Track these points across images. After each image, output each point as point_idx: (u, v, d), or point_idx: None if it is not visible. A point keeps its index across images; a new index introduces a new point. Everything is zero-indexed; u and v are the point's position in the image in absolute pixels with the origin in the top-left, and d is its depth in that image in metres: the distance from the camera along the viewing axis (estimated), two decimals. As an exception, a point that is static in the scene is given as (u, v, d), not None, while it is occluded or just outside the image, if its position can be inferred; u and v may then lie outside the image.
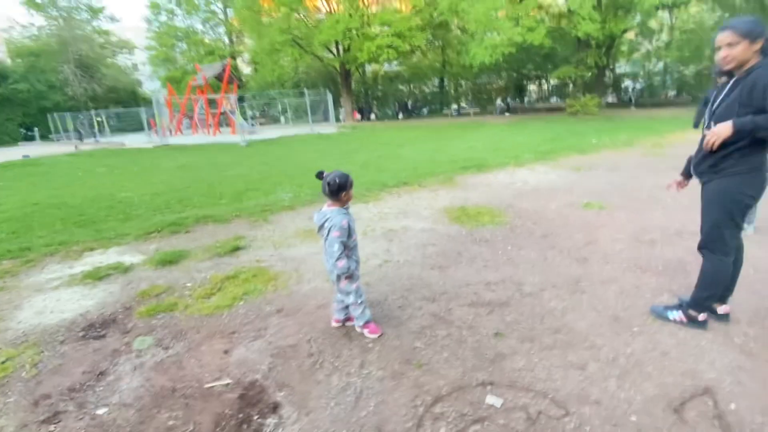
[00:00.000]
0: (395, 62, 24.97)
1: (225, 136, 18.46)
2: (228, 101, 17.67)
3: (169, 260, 3.62)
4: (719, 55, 1.93)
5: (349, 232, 2.22)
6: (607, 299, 2.63)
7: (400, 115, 25.74)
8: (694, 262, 3.07)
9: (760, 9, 15.88)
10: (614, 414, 1.70)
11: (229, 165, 9.47)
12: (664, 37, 20.35)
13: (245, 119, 18.24)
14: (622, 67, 26.28)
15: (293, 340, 2.37)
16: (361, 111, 27.14)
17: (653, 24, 18.44)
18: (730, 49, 1.86)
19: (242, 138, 14.32)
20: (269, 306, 2.79)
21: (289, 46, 21.19)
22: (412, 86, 29.16)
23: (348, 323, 2.45)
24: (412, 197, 5.54)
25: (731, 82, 1.95)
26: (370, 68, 27.67)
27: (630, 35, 20.71)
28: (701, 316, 2.23)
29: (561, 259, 3.30)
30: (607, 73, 21.09)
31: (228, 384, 2.02)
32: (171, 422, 1.79)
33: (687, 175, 2.34)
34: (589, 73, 16.78)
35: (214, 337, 2.46)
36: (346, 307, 2.37)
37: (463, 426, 1.68)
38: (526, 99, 28.22)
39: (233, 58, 28.89)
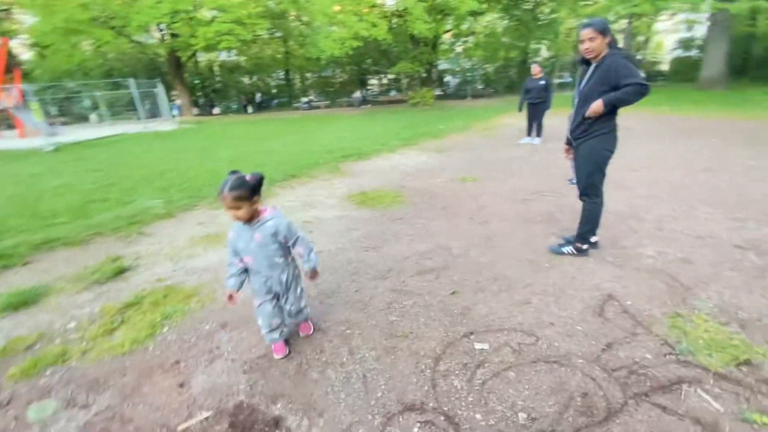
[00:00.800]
0: (234, 52, 23.03)
1: (11, 140, 13.89)
2: (9, 95, 13.22)
3: (21, 302, 2.65)
4: (583, 47, 2.54)
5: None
6: (516, 248, 3.20)
7: (249, 109, 24.04)
8: (557, 211, 3.99)
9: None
10: (566, 329, 2.15)
11: (41, 176, 7.23)
12: (472, 39, 24.68)
13: (40, 118, 13.97)
14: (442, 64, 30.68)
15: (260, 350, 2.11)
16: (197, 104, 24.13)
17: (464, 27, 22.10)
18: (592, 43, 2.48)
19: (46, 142, 11.05)
20: (207, 324, 2.39)
21: (93, 26, 17.08)
22: (255, 78, 27.49)
23: (302, 334, 2.21)
24: (308, 189, 5.40)
25: (591, 68, 2.60)
26: (204, 57, 24.78)
27: (447, 36, 24.31)
28: (584, 246, 2.96)
29: (467, 223, 3.81)
30: (433, 69, 24.25)
31: (207, 418, 1.69)
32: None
33: (570, 143, 2.99)
34: (423, 69, 19.07)
35: (153, 374, 1.98)
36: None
37: (471, 373, 1.86)
38: (369, 92, 30.14)
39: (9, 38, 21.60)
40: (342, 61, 23.64)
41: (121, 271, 3.11)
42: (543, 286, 2.60)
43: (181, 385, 1.89)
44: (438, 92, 28.39)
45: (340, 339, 2.17)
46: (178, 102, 23.00)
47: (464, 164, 6.44)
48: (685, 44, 28.75)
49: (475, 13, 17.02)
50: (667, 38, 33.26)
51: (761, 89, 16.30)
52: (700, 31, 23.77)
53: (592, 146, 2.69)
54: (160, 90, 17.67)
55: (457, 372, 1.87)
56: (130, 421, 1.70)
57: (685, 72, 25.34)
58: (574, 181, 4.78)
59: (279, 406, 1.74)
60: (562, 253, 3.00)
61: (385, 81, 30.29)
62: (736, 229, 3.34)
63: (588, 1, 28.16)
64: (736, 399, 1.64)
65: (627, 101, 2.39)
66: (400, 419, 1.63)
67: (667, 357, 1.91)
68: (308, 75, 27.92)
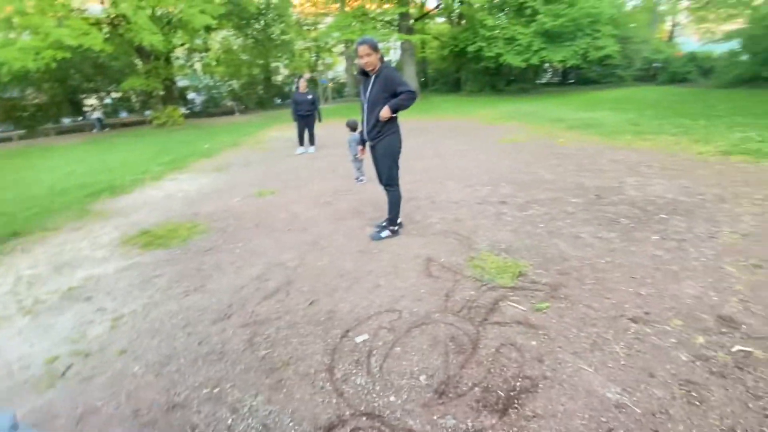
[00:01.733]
0: None
1: None
2: None
3: None
4: (362, 61, 2.97)
5: None
6: (344, 244, 3.42)
7: None
8: (360, 206, 4.48)
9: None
10: (415, 295, 2.52)
11: None
12: (210, 54, 23.43)
13: None
14: (182, 80, 27.79)
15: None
16: None
17: (198, 42, 20.68)
18: (369, 57, 2.93)
19: None
20: None
21: None
22: None
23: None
24: (52, 246, 3.90)
25: (372, 79, 3.06)
26: None
27: (180, 51, 22.15)
28: (396, 228, 3.49)
29: (289, 235, 3.75)
30: (173, 86, 21.71)
31: None
32: None
33: (363, 143, 3.39)
34: (163, 86, 16.72)
35: None
36: None
37: (366, 366, 1.92)
38: (87, 115, 23.75)
39: None
40: (34, 78, 17.75)
41: None
42: (381, 268, 2.92)
43: None
44: (184, 110, 25.65)
45: (212, 403, 1.77)
46: None
47: (253, 179, 6.19)
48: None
49: (208, 28, 16.22)
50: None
51: (440, 98, 22.98)
52: (396, 55, 31.11)
53: (387, 144, 3.19)
54: None
55: (354, 371, 1.89)
56: None
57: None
58: (361, 179, 5.50)
59: None
60: (382, 238, 3.43)
61: (108, 101, 24.64)
62: (472, 192, 4.70)
63: (310, 27, 31.89)
64: (527, 299, 2.40)
65: (405, 106, 2.97)
66: (327, 442, 1.53)
67: (482, 288, 2.55)
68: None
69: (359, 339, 2.12)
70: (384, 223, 3.53)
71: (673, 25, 25.85)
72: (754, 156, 5.15)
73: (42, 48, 10.94)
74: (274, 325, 2.32)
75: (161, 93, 17.45)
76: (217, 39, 23.28)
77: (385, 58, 3.27)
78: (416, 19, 22.86)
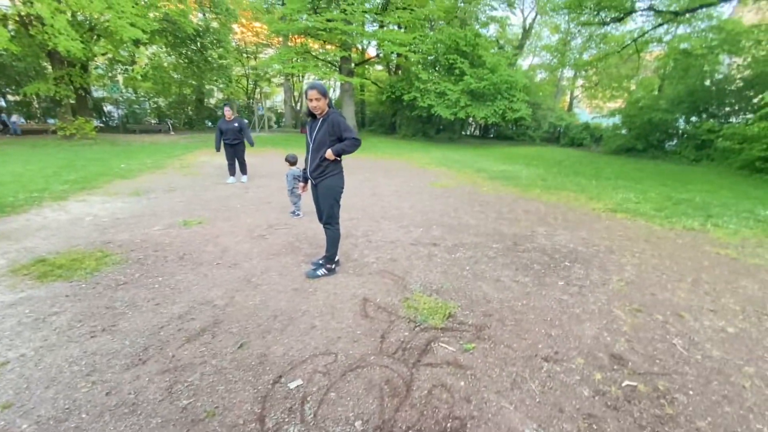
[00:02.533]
0: None
1: None
2: None
3: None
4: (311, 105, 3.09)
5: None
6: (278, 282, 3.33)
7: None
8: (296, 241, 4.43)
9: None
10: (351, 336, 2.54)
11: None
12: (138, 68, 21.85)
13: None
14: (98, 91, 25.33)
15: None
16: None
17: (125, 54, 19.25)
18: (318, 102, 3.07)
19: None
20: None
21: None
22: None
23: None
24: None
25: (319, 121, 3.17)
26: None
27: (101, 60, 20.37)
28: (333, 266, 3.51)
29: (217, 270, 3.55)
30: (88, 96, 19.70)
31: None
32: None
33: (306, 180, 3.43)
34: (75, 94, 15.03)
35: None
36: None
37: (300, 413, 1.87)
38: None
39: None
40: None
41: None
42: (317, 308, 2.89)
43: None
44: (98, 123, 23.25)
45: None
46: None
47: (179, 206, 5.77)
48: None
49: (137, 42, 15.28)
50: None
51: (377, 138, 23.96)
52: (336, 93, 32.05)
53: (329, 184, 3.27)
54: None
55: (287, 419, 1.83)
56: None
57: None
58: (298, 213, 5.46)
59: None
60: (318, 276, 3.42)
61: (1, 103, 21.32)
62: (406, 233, 4.93)
63: (250, 55, 31.69)
64: (456, 339, 2.56)
65: (348, 151, 3.14)
66: (256, 500, 1.44)
67: (416, 329, 2.66)
68: None
69: (293, 385, 2.07)
70: (321, 261, 3.53)
71: (572, 98, 30.65)
72: (632, 214, 6.20)
73: None
74: (198, 371, 2.15)
75: (72, 102, 15.67)
76: (146, 53, 21.88)
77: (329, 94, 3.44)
78: (357, 64, 24.05)
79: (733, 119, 14.73)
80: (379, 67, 29.94)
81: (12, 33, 12.98)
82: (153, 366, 2.18)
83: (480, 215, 5.95)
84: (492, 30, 26.93)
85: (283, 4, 19.38)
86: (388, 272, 3.62)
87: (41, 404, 1.85)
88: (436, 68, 21.38)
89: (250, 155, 8.72)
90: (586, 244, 4.71)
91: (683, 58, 14.83)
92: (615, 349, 2.53)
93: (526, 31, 26.65)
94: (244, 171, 8.22)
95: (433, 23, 23.67)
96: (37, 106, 22.61)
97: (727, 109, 14.87)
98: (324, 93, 3.08)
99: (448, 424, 1.83)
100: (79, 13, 13.40)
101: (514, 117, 19.71)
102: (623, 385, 2.17)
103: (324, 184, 3.28)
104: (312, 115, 3.20)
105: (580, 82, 28.97)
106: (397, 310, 2.91)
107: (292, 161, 5.36)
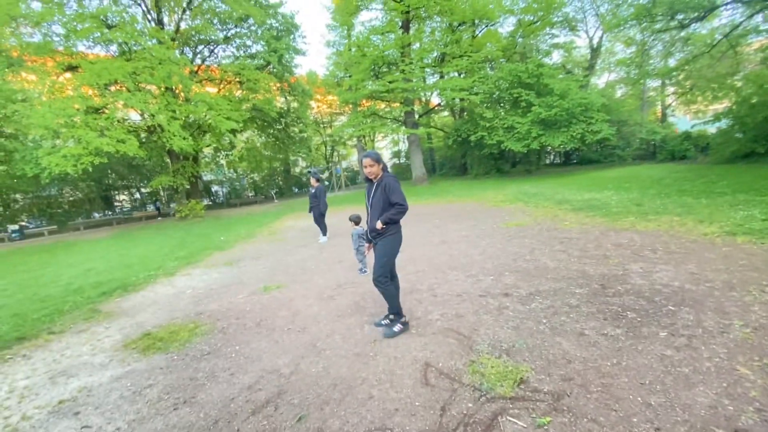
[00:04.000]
0: None
1: None
2: None
3: None
4: (366, 171, 3.34)
5: None
6: (341, 346, 3.35)
7: None
8: (361, 300, 4.47)
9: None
10: (408, 409, 2.38)
11: None
12: (234, 152, 25.75)
13: None
14: (207, 175, 30.13)
15: None
16: None
17: (225, 142, 22.89)
18: (372, 168, 3.29)
19: None
20: None
21: None
22: None
23: None
24: (55, 351, 3.93)
25: (375, 185, 3.36)
26: None
27: (207, 150, 24.46)
28: (404, 319, 3.49)
29: (287, 335, 3.72)
30: (198, 181, 23.52)
31: None
32: None
33: (369, 240, 3.56)
34: (188, 181, 18.12)
35: None
36: None
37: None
38: (118, 209, 25.55)
39: None
40: (72, 178, 19.54)
41: None
42: (375, 375, 2.81)
43: None
44: (207, 202, 27.28)
45: None
46: None
47: (262, 273, 6.32)
48: (397, 154, 39.50)
49: (233, 131, 18.08)
50: (385, 149, 44.82)
51: (448, 182, 23.96)
52: (404, 145, 33.40)
53: (386, 242, 3.38)
54: None
55: (335, 506, 1.74)
56: None
57: (400, 174, 34.47)
58: (364, 270, 5.57)
59: None
60: (396, 334, 3.43)
61: (137, 196, 26.63)
62: (475, 283, 4.67)
63: (326, 124, 35.11)
64: (527, 412, 2.24)
65: (395, 220, 3.28)
66: None
67: (481, 399, 2.41)
68: (17, 196, 21.27)
69: (345, 464, 1.98)
70: (391, 317, 3.58)
71: (664, 108, 27.47)
72: (758, 236, 5.06)
73: (83, 155, 12.28)
74: (258, 447, 2.20)
75: (186, 187, 18.76)
76: (242, 138, 25.69)
77: (398, 147, 3.69)
78: (421, 115, 25.02)
79: None
80: (446, 113, 30.71)
81: (144, 139, 16.43)
82: (220, 440, 2.29)
83: (560, 255, 5.42)
84: (557, 56, 26.17)
85: (350, 76, 21.41)
86: (453, 331, 3.41)
87: (124, 480, 2.05)
88: (501, 104, 21.18)
89: (330, 215, 9.39)
90: (696, 280, 3.93)
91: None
92: (740, 422, 1.97)
93: (595, 50, 25.29)
94: (322, 232, 8.83)
95: (493, 63, 23.89)
96: (162, 194, 27.45)
97: None
98: (377, 160, 3.32)
99: None
100: (188, 117, 16.40)
101: (596, 139, 18.23)
102: (759, 479, 1.65)
103: (381, 243, 3.40)
104: (370, 180, 3.41)
105: (672, 89, 26.04)
106: (461, 375, 2.69)
107: (356, 221, 5.59)
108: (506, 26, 24.39)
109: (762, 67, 17.01)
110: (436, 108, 27.79)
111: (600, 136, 17.77)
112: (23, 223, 20.73)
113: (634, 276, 4.26)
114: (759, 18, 12.35)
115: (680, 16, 12.22)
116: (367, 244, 3.67)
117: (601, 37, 24.62)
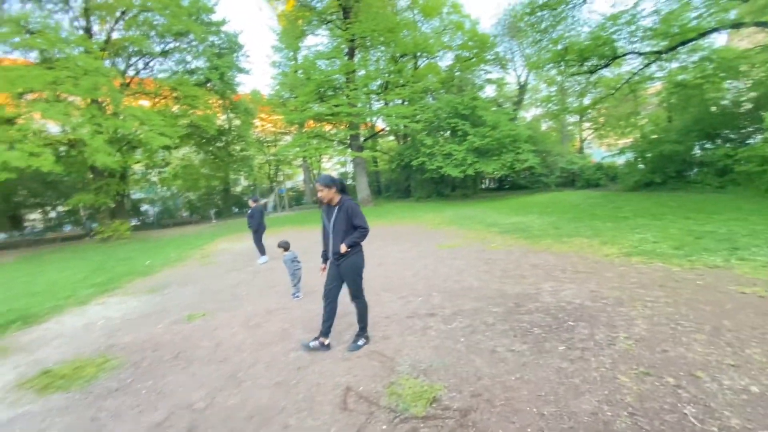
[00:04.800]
0: None
1: None
2: None
3: None
4: (319, 195, 3.47)
5: None
6: (262, 375, 3.27)
7: None
8: (290, 327, 4.41)
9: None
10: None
11: None
12: (168, 169, 24.24)
13: None
14: (136, 193, 27.90)
15: None
16: None
17: (159, 159, 21.49)
18: (323, 193, 3.42)
19: None
20: None
21: None
22: None
23: None
24: None
25: (336, 209, 3.47)
26: None
27: (138, 166, 22.77)
28: (368, 335, 3.58)
29: (206, 367, 3.55)
30: (125, 199, 21.72)
31: None
32: None
33: (325, 260, 3.66)
34: (113, 200, 16.66)
35: None
36: None
37: None
38: (27, 230, 22.59)
39: None
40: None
41: None
42: (295, 403, 2.80)
43: None
44: (135, 222, 25.17)
45: None
46: None
47: (188, 300, 5.97)
48: (344, 176, 39.83)
49: (167, 147, 17.11)
50: (331, 170, 44.98)
51: (392, 204, 24.52)
52: (350, 167, 33.77)
53: (351, 263, 3.50)
54: None
55: None
56: None
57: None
58: (297, 295, 5.51)
59: None
60: (360, 347, 3.56)
61: (53, 215, 23.85)
62: (405, 304, 4.83)
63: (270, 143, 34.48)
64: (437, 430, 2.37)
65: (358, 242, 3.44)
66: None
67: (395, 421, 2.50)
68: None
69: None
70: (358, 333, 3.71)
71: (582, 140, 30.81)
72: (648, 257, 5.85)
73: (-16, 169, 10.88)
74: (160, 489, 2.08)
75: (111, 206, 17.23)
76: (177, 155, 24.32)
77: (345, 169, 3.87)
78: (366, 138, 25.57)
79: (752, 140, 14.26)
80: (391, 138, 31.70)
81: (63, 153, 14.95)
82: (117, 486, 2.13)
83: (485, 275, 5.79)
84: (490, 91, 28.40)
85: (295, 97, 21.43)
86: (378, 353, 3.50)
87: None
88: (440, 132, 22.39)
89: (271, 235, 9.19)
90: (594, 297, 4.43)
91: (681, 90, 14.90)
92: (615, 426, 2.26)
93: (523, 87, 27.90)
94: (261, 252, 8.64)
95: (433, 93, 25.32)
96: (82, 213, 24.89)
97: (743, 131, 14.48)
98: (327, 184, 3.44)
99: None
100: (116, 132, 15.27)
101: (523, 167, 19.89)
102: (619, 473, 1.91)
103: (346, 264, 3.49)
104: (328, 203, 3.53)
105: (587, 124, 29.39)
106: (379, 398, 2.77)
107: (285, 247, 5.55)
108: (445, 60, 26.16)
109: (660, 109, 19.90)
110: (381, 132, 28.62)
111: (527, 164, 19.42)
112: None
113: (544, 294, 4.69)
114: (654, 67, 14.63)
115: (589, 63, 14.03)
116: (322, 266, 3.74)
117: (527, 76, 27.26)
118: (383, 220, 14.85)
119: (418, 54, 23.22)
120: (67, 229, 24.05)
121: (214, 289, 6.55)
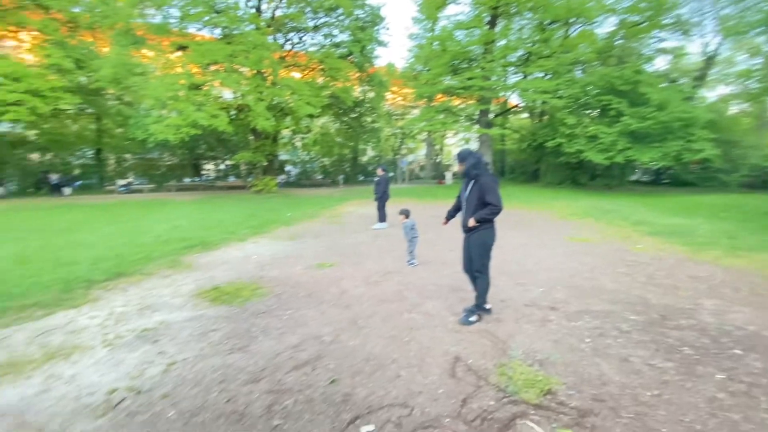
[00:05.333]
0: (22, 125, 18.76)
1: None
2: None
3: None
4: (457, 168, 3.58)
5: None
6: (379, 327, 3.56)
7: (67, 191, 18.94)
8: (405, 290, 4.64)
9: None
10: (431, 394, 2.52)
11: None
12: (310, 135, 27.27)
13: None
14: (282, 155, 32.27)
15: None
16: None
17: (302, 125, 24.31)
18: (459, 166, 3.51)
19: None
20: None
21: None
22: (49, 155, 22.59)
23: None
24: (144, 288, 4.68)
25: (472, 182, 3.55)
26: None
27: (286, 131, 26.17)
28: (482, 312, 3.71)
29: (333, 309, 4.03)
30: (275, 159, 25.30)
31: None
32: None
33: (447, 219, 3.94)
34: (266, 159, 19.67)
35: None
36: None
37: (363, 457, 1.97)
38: (204, 177, 28.67)
39: None
40: (171, 145, 22.18)
41: None
42: (407, 359, 2.98)
43: None
44: (280, 180, 29.21)
45: (221, 459, 1.96)
46: None
47: (319, 251, 6.78)
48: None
49: (311, 116, 19.12)
50: (454, 148, 44.18)
51: (516, 188, 23.01)
52: (475, 145, 32.62)
53: (480, 236, 3.58)
54: None
55: (350, 460, 1.95)
56: None
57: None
58: (412, 263, 5.72)
59: None
60: (471, 323, 3.61)
61: (222, 167, 29.51)
62: (522, 291, 4.59)
63: (398, 116, 35.42)
64: (548, 421, 2.26)
65: (488, 219, 3.44)
66: None
67: (503, 400, 2.46)
68: (127, 156, 24.81)
69: (365, 429, 2.19)
70: (472, 308, 3.73)
71: (791, 131, 23.44)
72: None
73: (182, 126, 13.97)
74: (294, 397, 2.49)
75: (264, 164, 20.31)
76: (318, 124, 27.05)
77: (468, 146, 3.89)
78: (497, 115, 24.18)
79: None
80: (525, 115, 29.35)
81: (233, 116, 18.11)
82: (264, 385, 2.63)
83: (623, 278, 5.08)
84: (661, 63, 23.56)
85: (428, 70, 21.38)
86: (490, 333, 3.44)
87: (185, 399, 2.46)
88: (587, 111, 19.73)
89: (391, 205, 9.76)
90: (779, 328, 3.49)
91: None
92: (791, 484, 1.81)
93: (710, 59, 22.28)
94: (379, 219, 9.23)
95: (584, 65, 22.24)
96: (242, 168, 29.97)
97: None
98: (460, 159, 3.57)
99: None
100: (274, 99, 17.69)
101: (695, 158, 16.26)
102: None
103: (475, 236, 3.58)
104: (463, 174, 3.64)
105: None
106: (488, 375, 2.75)
107: (405, 214, 5.75)
108: (605, 26, 22.47)
109: None
110: (514, 108, 26.67)
111: (700, 156, 15.80)
112: (130, 180, 24.12)
113: (703, 312, 3.89)
114: None
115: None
116: (444, 221, 4.00)
117: (719, 44, 21.63)
118: (505, 203, 14.07)
119: (572, 20, 20.45)
120: (231, 179, 29.45)
121: (340, 245, 7.28)
